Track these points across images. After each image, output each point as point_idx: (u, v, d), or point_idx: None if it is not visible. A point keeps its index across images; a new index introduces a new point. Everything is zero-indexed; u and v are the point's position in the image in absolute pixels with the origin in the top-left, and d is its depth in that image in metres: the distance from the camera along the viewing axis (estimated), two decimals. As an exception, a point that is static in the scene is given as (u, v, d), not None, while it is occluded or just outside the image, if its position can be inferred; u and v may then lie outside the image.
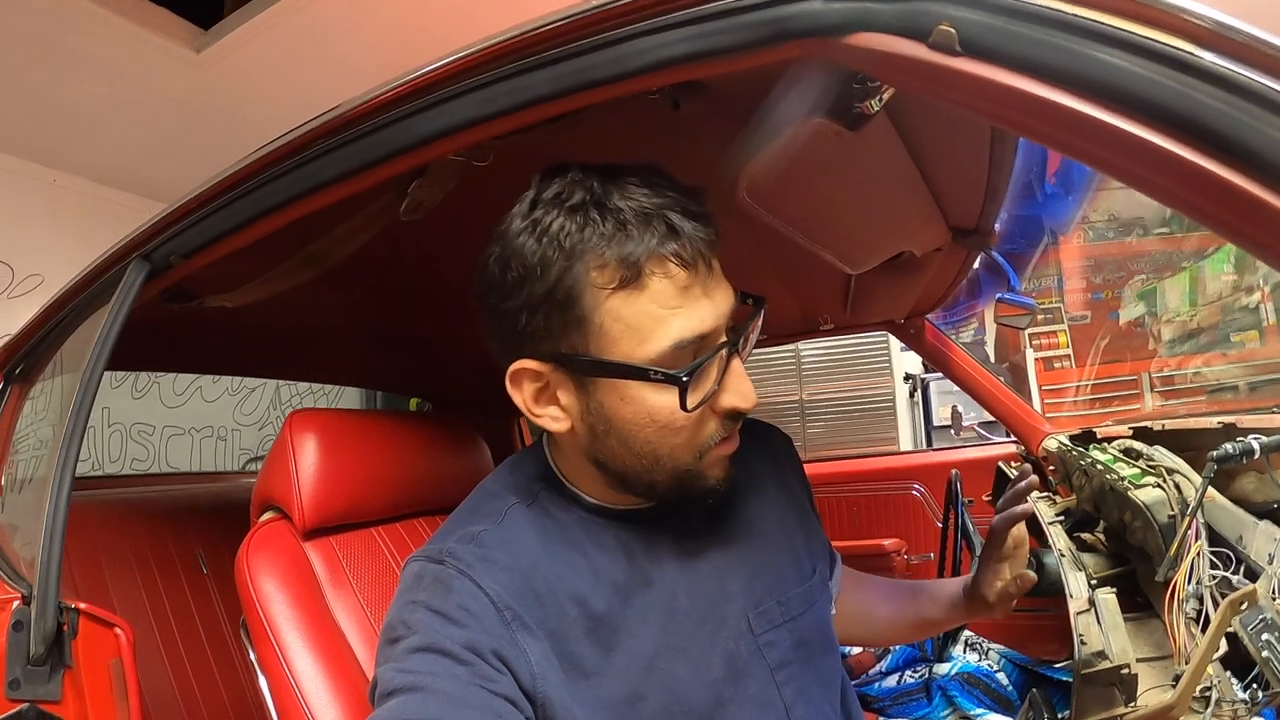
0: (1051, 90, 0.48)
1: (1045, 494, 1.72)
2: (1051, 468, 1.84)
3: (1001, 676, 1.67)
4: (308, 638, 0.91)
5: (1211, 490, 1.09)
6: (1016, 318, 1.71)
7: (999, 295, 1.67)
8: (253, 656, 0.95)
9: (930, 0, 0.52)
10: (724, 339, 0.71)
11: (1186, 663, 0.88)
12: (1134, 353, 4.44)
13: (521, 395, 0.73)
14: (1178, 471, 1.22)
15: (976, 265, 1.66)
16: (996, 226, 1.33)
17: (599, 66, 0.66)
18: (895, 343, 4.54)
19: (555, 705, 0.67)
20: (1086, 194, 4.55)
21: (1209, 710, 0.85)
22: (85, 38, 2.35)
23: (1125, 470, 1.31)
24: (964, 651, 1.79)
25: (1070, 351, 4.61)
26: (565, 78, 0.67)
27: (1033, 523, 1.47)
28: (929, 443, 4.46)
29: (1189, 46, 0.45)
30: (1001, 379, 2.02)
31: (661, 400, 0.68)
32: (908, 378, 4.56)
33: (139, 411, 3.62)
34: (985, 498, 2.05)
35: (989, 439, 2.89)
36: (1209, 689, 0.87)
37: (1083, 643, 1.05)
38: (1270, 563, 0.94)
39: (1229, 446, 1.04)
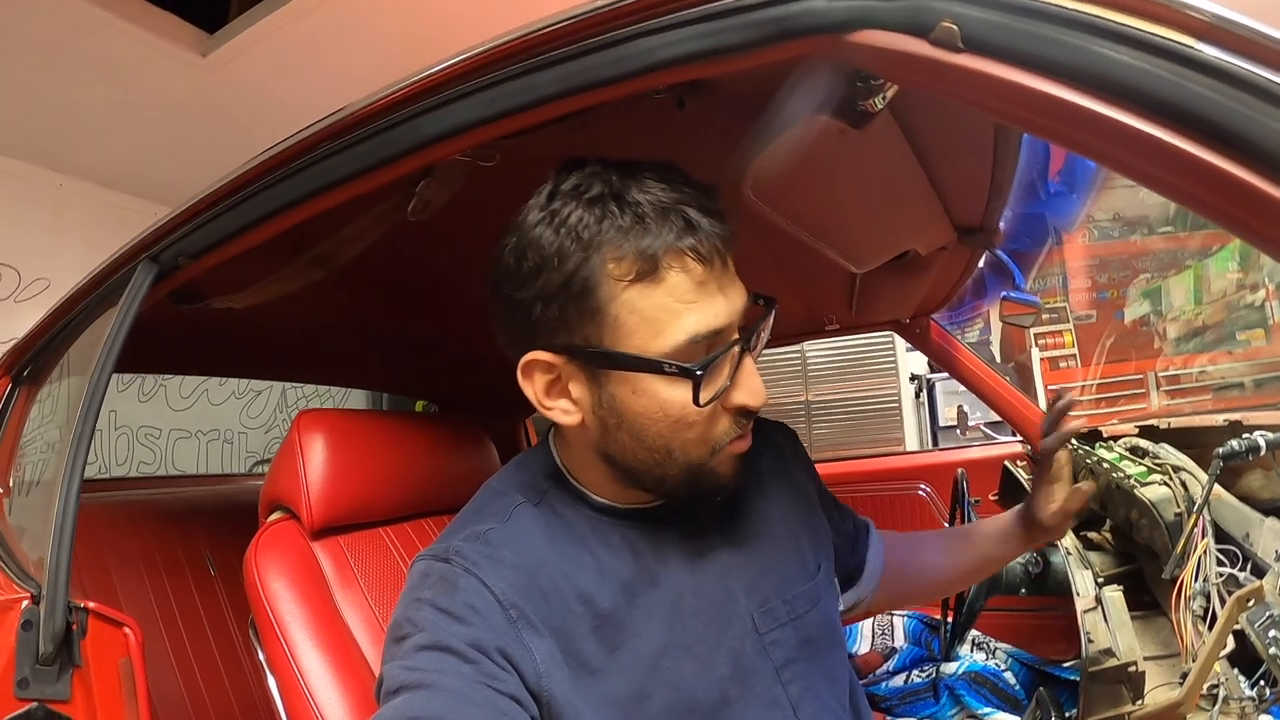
0: (1053, 85, 0.48)
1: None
2: (1057, 466, 1.83)
3: (1009, 676, 1.67)
4: (316, 636, 0.91)
5: (1218, 488, 1.09)
6: (1022, 316, 1.71)
7: (1004, 294, 1.66)
8: (261, 656, 0.96)
9: (932, -3, 0.52)
10: (736, 336, 0.71)
11: (1193, 660, 0.88)
12: (1139, 352, 4.43)
13: (533, 387, 0.73)
14: (1184, 469, 1.22)
15: (981, 264, 1.66)
16: (1001, 225, 1.32)
17: (604, 66, 0.66)
18: (900, 344, 4.53)
19: (560, 703, 0.67)
20: (1091, 192, 4.53)
21: (1216, 708, 0.85)
22: (91, 42, 2.36)
23: (1131, 468, 1.31)
24: (971, 651, 1.78)
25: (1075, 351, 4.60)
26: (571, 77, 0.68)
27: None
28: (934, 443, 4.45)
29: (1188, 40, 0.45)
30: (1007, 378, 2.01)
31: (674, 394, 0.69)
32: (913, 378, 4.54)
33: (146, 414, 3.63)
34: (992, 497, 2.04)
35: (995, 439, 2.89)
36: (1216, 686, 0.87)
37: (1090, 640, 1.05)
38: (1277, 559, 0.94)
39: (1235, 443, 1.04)
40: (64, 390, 1.22)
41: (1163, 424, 1.50)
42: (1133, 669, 0.96)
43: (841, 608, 0.98)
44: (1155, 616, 1.17)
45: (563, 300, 0.68)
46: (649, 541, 0.77)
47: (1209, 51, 0.45)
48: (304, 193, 0.86)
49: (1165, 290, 4.39)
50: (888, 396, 4.56)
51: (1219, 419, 1.33)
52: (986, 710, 1.57)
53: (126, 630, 1.02)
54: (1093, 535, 1.52)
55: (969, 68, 0.51)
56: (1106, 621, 1.10)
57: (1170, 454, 1.31)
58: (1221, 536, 1.05)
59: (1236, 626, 0.84)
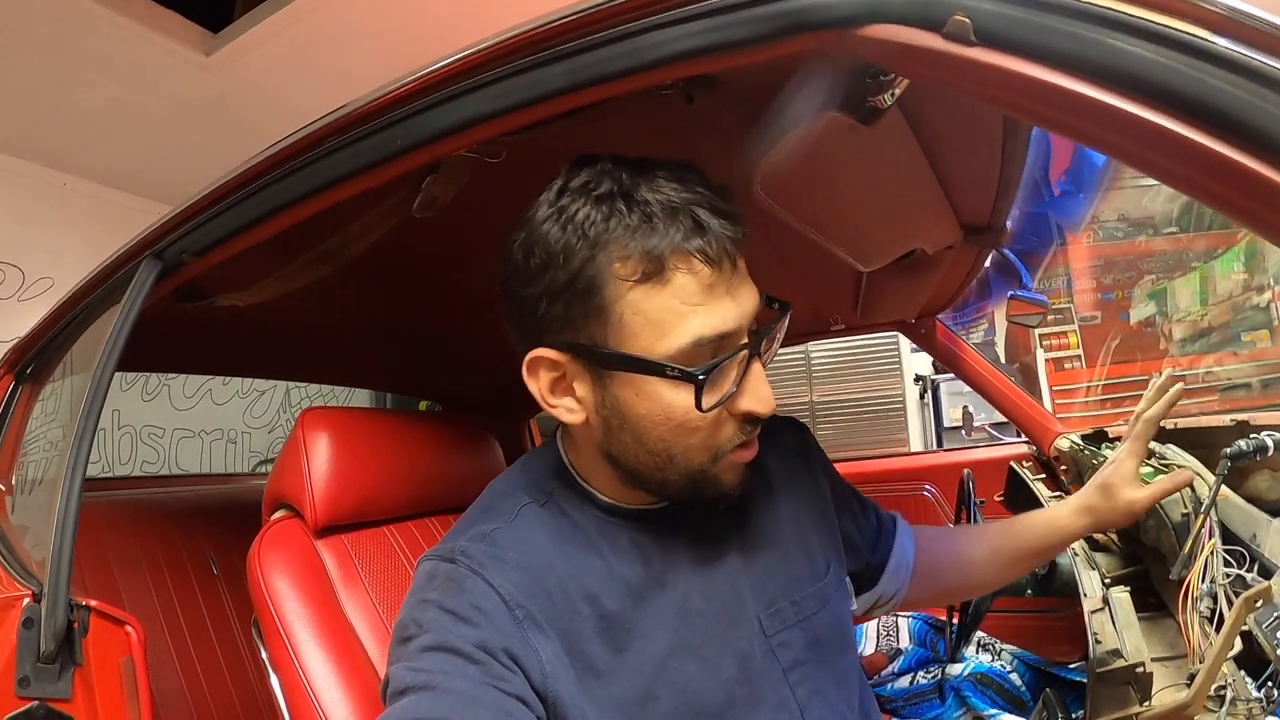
0: (1067, 78, 0.48)
1: (1057, 494, 1.71)
2: (1064, 467, 1.83)
3: (1015, 677, 1.66)
4: (319, 635, 0.91)
5: (1225, 489, 1.09)
6: (1028, 316, 1.71)
7: (1011, 293, 1.66)
8: (264, 654, 0.95)
9: (944, -9, 0.52)
10: (745, 341, 0.70)
11: (1201, 662, 0.87)
12: (1145, 353, 4.42)
13: (538, 384, 0.73)
14: (1191, 469, 1.21)
15: (987, 264, 1.65)
16: (1008, 224, 1.32)
17: (613, 60, 0.66)
18: (905, 344, 4.54)
19: (566, 704, 0.67)
20: (1097, 192, 4.52)
21: (1224, 709, 0.85)
22: (95, 41, 2.36)
23: (1138, 469, 1.30)
24: (977, 652, 1.78)
25: (1081, 352, 4.59)
26: (579, 71, 0.67)
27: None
28: (939, 444, 4.45)
29: (1202, 32, 0.45)
30: (1012, 379, 2.01)
31: (677, 398, 0.68)
32: (918, 379, 4.55)
33: (149, 414, 3.64)
34: (997, 497, 2.03)
35: (1000, 439, 2.88)
36: (1224, 688, 0.86)
37: (1097, 641, 1.05)
38: (1285, 560, 0.93)
39: (1242, 443, 1.03)
40: (67, 388, 1.22)
41: (1169, 424, 1.49)
42: (1140, 670, 0.96)
43: (860, 609, 0.97)
44: (1162, 618, 1.16)
45: (568, 298, 0.68)
46: (656, 543, 0.77)
47: (1224, 44, 0.44)
48: (308, 189, 0.85)
49: (1171, 291, 4.38)
50: (893, 397, 4.57)
51: (1226, 419, 1.32)
52: (992, 712, 1.56)
53: (128, 628, 1.02)
54: (1099, 537, 1.51)
55: (982, 61, 0.51)
56: (1114, 622, 1.09)
57: (1177, 454, 1.30)
58: (1229, 537, 1.04)
59: (1244, 628, 0.83)
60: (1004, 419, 2.08)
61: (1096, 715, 0.97)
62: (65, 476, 1.00)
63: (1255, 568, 0.99)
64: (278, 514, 1.04)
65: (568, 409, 0.73)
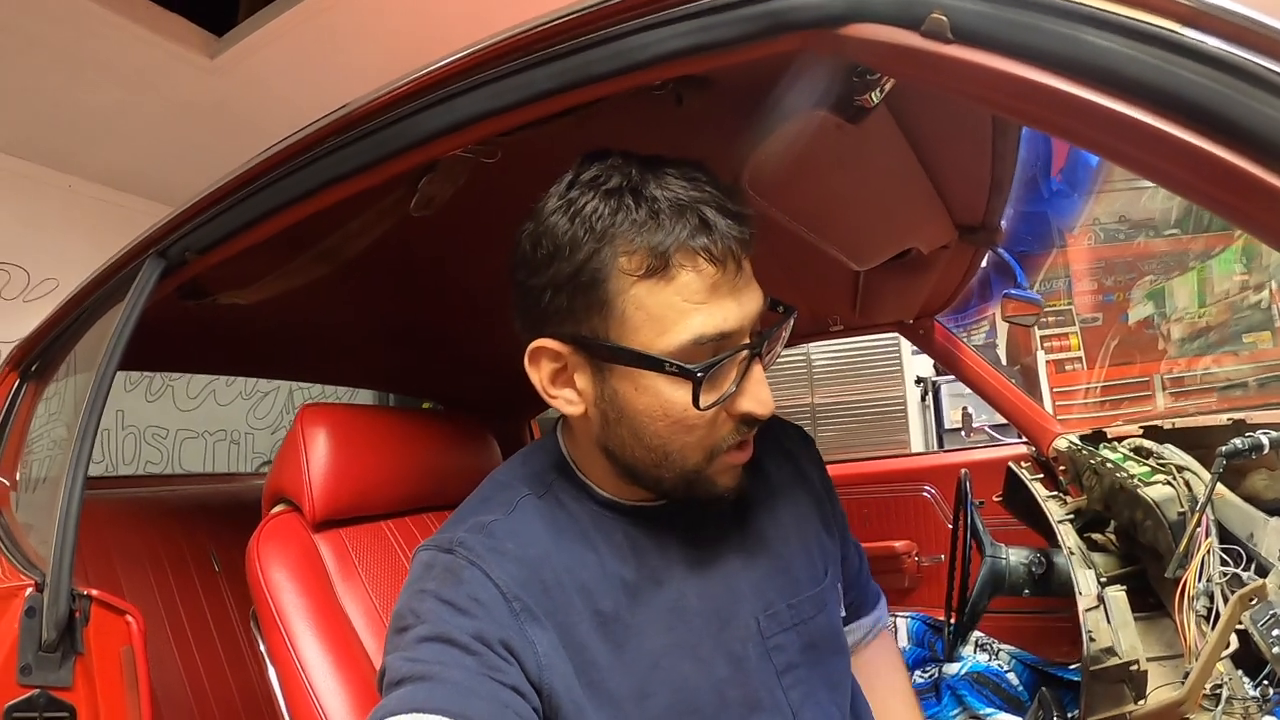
0: (1043, 74, 0.49)
1: (1055, 494, 1.71)
2: (1062, 468, 1.83)
3: (1012, 676, 1.66)
4: (316, 627, 0.92)
5: (1222, 487, 1.09)
6: (1024, 315, 1.71)
7: (1006, 292, 1.66)
8: (262, 646, 0.96)
9: (922, -11, 0.53)
10: (747, 341, 0.70)
11: (1196, 660, 0.87)
12: (1144, 353, 4.40)
13: (539, 374, 0.73)
14: (1188, 469, 1.21)
15: (985, 266, 1.66)
16: (1002, 223, 1.32)
17: (601, 61, 0.67)
18: (906, 347, 4.53)
19: (562, 696, 0.67)
20: (1093, 191, 4.52)
21: (1219, 708, 0.84)
22: (100, 44, 2.37)
23: (1135, 468, 1.30)
24: (974, 651, 1.78)
25: (1081, 353, 4.57)
26: (568, 73, 0.68)
27: (1042, 522, 1.46)
28: (940, 446, 4.43)
29: (1173, 25, 0.46)
30: (1012, 381, 2.01)
31: (675, 394, 0.68)
32: (918, 381, 4.53)
33: (153, 415, 3.65)
34: (996, 498, 2.03)
35: (999, 440, 2.88)
36: (1219, 686, 0.86)
37: (1091, 639, 1.04)
38: (1281, 559, 0.93)
39: (1238, 442, 1.03)
40: (70, 388, 1.23)
41: (1167, 424, 1.49)
42: (1135, 668, 0.96)
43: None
44: (1159, 619, 1.16)
45: (572, 290, 0.68)
46: (653, 540, 0.77)
47: (1194, 36, 0.45)
48: (309, 187, 0.86)
49: (1170, 292, 4.37)
50: (893, 399, 4.56)
51: (1223, 418, 1.32)
52: (989, 711, 1.56)
53: (129, 618, 1.02)
54: (1096, 537, 1.51)
55: (959, 58, 0.52)
56: (1109, 620, 1.09)
57: (1174, 454, 1.30)
58: (1225, 536, 1.04)
59: (1240, 626, 0.83)
60: (1004, 420, 2.08)
61: (1091, 713, 0.97)
62: (69, 469, 1.01)
63: (1252, 566, 0.99)
64: (277, 508, 1.05)
65: (567, 400, 0.74)
